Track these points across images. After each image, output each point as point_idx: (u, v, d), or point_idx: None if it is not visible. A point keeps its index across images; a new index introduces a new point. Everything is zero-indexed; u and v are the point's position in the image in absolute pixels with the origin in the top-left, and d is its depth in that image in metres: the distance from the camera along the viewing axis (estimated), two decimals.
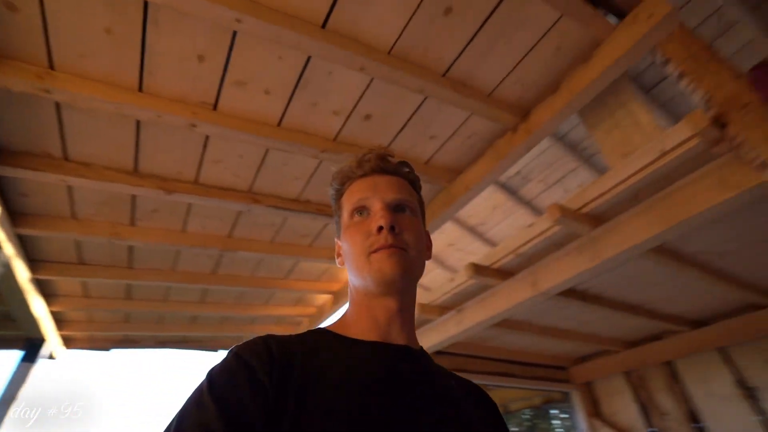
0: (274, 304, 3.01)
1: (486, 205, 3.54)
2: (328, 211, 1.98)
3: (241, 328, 3.29)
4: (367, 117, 1.55)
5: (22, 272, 1.96)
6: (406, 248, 0.58)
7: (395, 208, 0.61)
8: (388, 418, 0.46)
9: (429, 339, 2.22)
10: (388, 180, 0.65)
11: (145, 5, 1.09)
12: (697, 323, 2.44)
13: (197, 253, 2.20)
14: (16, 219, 1.72)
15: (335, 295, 2.86)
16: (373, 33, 1.25)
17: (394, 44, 1.29)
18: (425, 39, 1.29)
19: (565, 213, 1.29)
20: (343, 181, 0.67)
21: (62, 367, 2.67)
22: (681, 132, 1.08)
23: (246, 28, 1.11)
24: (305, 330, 0.60)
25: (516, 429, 5.13)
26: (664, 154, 1.15)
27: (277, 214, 1.94)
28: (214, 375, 0.46)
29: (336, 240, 0.71)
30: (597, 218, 1.37)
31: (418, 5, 1.20)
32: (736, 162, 1.02)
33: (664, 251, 1.56)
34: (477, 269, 1.62)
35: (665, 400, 2.52)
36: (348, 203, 0.64)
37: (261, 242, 2.21)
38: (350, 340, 0.56)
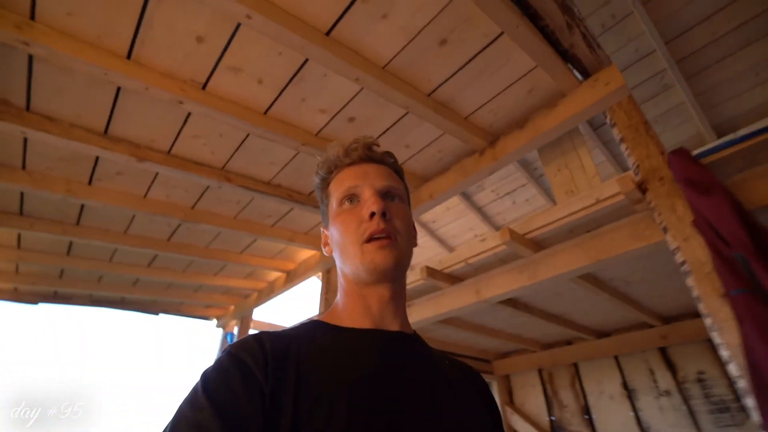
0: (224, 275, 3.01)
1: (441, 206, 3.76)
2: (297, 197, 2.05)
3: (185, 294, 3.24)
4: (351, 119, 1.63)
5: None
6: (397, 236, 0.58)
7: (385, 195, 0.61)
8: (386, 403, 0.47)
9: None
10: (376, 168, 0.65)
11: None
12: (601, 334, 2.86)
13: (154, 220, 2.16)
14: None
15: (289, 274, 2.93)
16: (372, 48, 1.33)
17: (390, 61, 1.38)
18: (419, 62, 1.40)
19: (514, 236, 1.49)
20: (330, 170, 0.66)
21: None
22: (613, 188, 1.30)
23: (253, 23, 1.14)
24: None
25: None
26: (598, 202, 1.37)
27: (246, 194, 1.96)
28: (208, 375, 0.45)
29: (322, 230, 0.70)
30: (538, 244, 1.60)
31: (418, 32, 1.30)
32: (649, 220, 1.27)
33: (587, 276, 1.84)
34: (430, 272, 1.80)
35: (566, 395, 2.95)
36: (337, 191, 0.63)
37: (224, 217, 2.22)
38: (344, 329, 0.57)
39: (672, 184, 1.14)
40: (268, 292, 3.11)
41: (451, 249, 4.14)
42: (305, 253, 2.77)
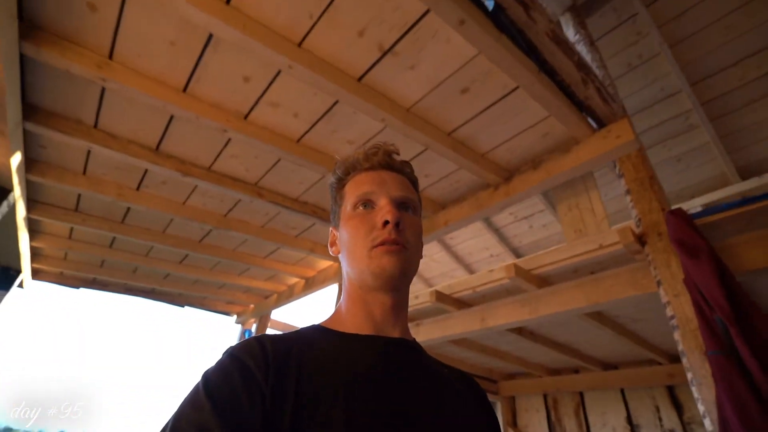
0: (247, 276, 3.21)
1: None
2: (321, 214, 2.20)
3: (209, 290, 3.46)
4: None
5: (21, 211, 2.05)
6: (407, 246, 0.58)
7: (400, 206, 0.61)
8: (385, 407, 0.47)
9: None
10: (393, 176, 0.65)
11: (210, 35, 1.24)
12: (608, 366, 2.88)
13: (189, 224, 2.36)
14: (29, 165, 1.82)
15: (308, 280, 3.09)
16: (399, 93, 1.46)
17: (414, 104, 1.51)
18: (441, 106, 1.52)
19: (519, 272, 1.58)
20: (348, 171, 0.66)
21: (30, 297, 2.76)
22: (615, 236, 1.38)
23: (294, 72, 1.29)
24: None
25: None
26: (602, 247, 1.45)
27: (274, 208, 2.13)
28: (209, 375, 0.46)
29: (332, 229, 0.70)
30: (543, 280, 1.68)
31: (441, 82, 1.42)
32: (646, 269, 1.34)
33: (592, 312, 1.90)
34: (439, 296, 1.91)
35: (570, 423, 2.98)
36: (352, 194, 0.63)
37: (253, 226, 2.40)
38: (346, 334, 0.57)
39: (668, 241, 1.22)
40: (288, 295, 3.29)
41: (466, 266, 4.21)
42: (324, 263, 2.92)
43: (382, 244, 0.57)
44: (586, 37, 2.04)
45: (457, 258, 4.16)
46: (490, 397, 3.38)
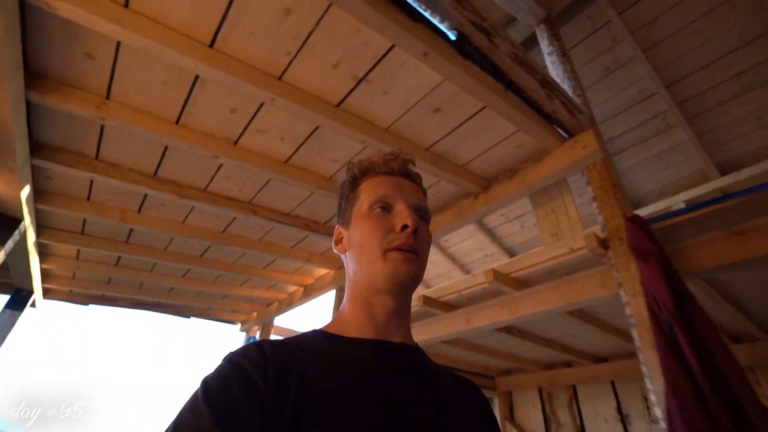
0: (248, 286, 3.33)
1: None
2: (313, 226, 2.31)
3: (213, 301, 3.58)
4: None
5: (31, 236, 2.18)
6: (420, 254, 0.59)
7: (417, 213, 0.62)
8: (385, 415, 0.47)
9: None
10: (410, 184, 0.66)
11: (196, 76, 1.36)
12: (598, 359, 2.98)
13: (189, 241, 2.47)
14: (37, 195, 1.94)
15: (306, 288, 3.21)
16: (376, 115, 1.57)
17: (391, 125, 1.62)
18: (417, 125, 1.62)
19: (497, 276, 1.69)
20: (365, 172, 0.67)
21: (43, 316, 2.89)
22: (581, 241, 1.48)
23: (276, 103, 1.40)
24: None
25: None
26: (572, 251, 1.56)
27: (269, 223, 2.24)
28: (208, 381, 0.46)
29: (338, 227, 0.69)
30: (522, 283, 1.79)
31: (415, 104, 1.53)
32: (612, 271, 1.44)
33: (574, 310, 2.00)
34: (426, 300, 2.01)
35: (564, 415, 3.08)
36: (369, 195, 0.63)
37: (250, 240, 2.51)
38: (347, 339, 0.57)
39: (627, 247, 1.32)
40: (288, 302, 3.40)
41: (462, 266, 4.32)
42: (321, 271, 3.03)
43: (398, 248, 0.57)
44: (559, 48, 2.14)
45: (453, 259, 4.27)
46: (487, 393, 3.49)
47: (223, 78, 1.28)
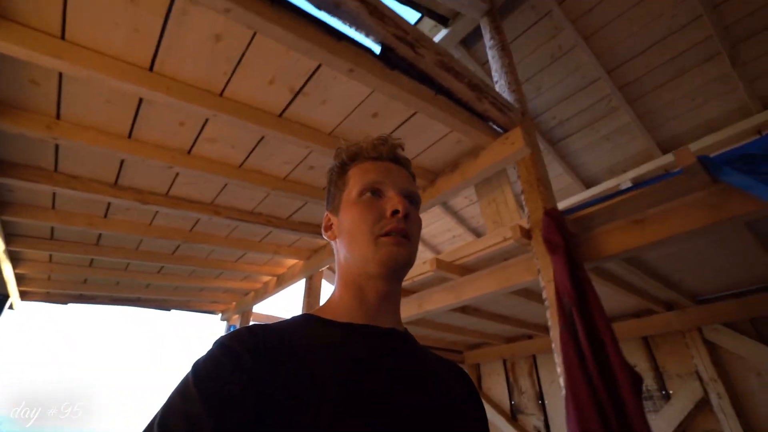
0: (224, 278, 3.45)
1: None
2: (276, 222, 2.43)
3: (191, 294, 3.71)
4: (311, 168, 1.98)
5: (0, 245, 2.25)
6: (411, 238, 0.59)
7: (407, 198, 0.62)
8: (374, 399, 0.48)
9: None
10: (399, 170, 0.66)
11: (140, 99, 1.43)
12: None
13: (159, 241, 2.57)
14: (2, 208, 2.00)
15: (279, 277, 3.35)
16: (317, 122, 1.67)
17: (333, 129, 1.72)
18: (358, 128, 1.73)
19: (440, 265, 1.85)
20: (353, 158, 0.67)
21: (21, 317, 2.98)
22: (509, 231, 1.64)
23: (219, 119, 1.49)
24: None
25: None
26: (504, 240, 1.72)
27: (233, 222, 2.35)
28: (199, 365, 0.45)
29: (327, 213, 0.69)
30: (465, 269, 1.95)
31: (352, 110, 1.63)
32: (533, 259, 1.61)
33: (520, 290, 2.19)
34: None
35: (525, 383, 3.35)
36: (358, 180, 0.63)
37: (217, 237, 2.62)
38: (338, 324, 0.57)
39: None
40: (264, 291, 3.55)
41: (432, 248, 4.50)
42: (291, 261, 3.17)
43: (389, 233, 0.57)
44: (500, 42, 2.24)
45: (423, 240, 4.44)
46: None
47: (165, 99, 1.36)
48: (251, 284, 3.60)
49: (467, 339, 3.46)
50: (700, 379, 2.40)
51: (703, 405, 2.36)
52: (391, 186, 0.62)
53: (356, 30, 1.33)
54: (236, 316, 4.10)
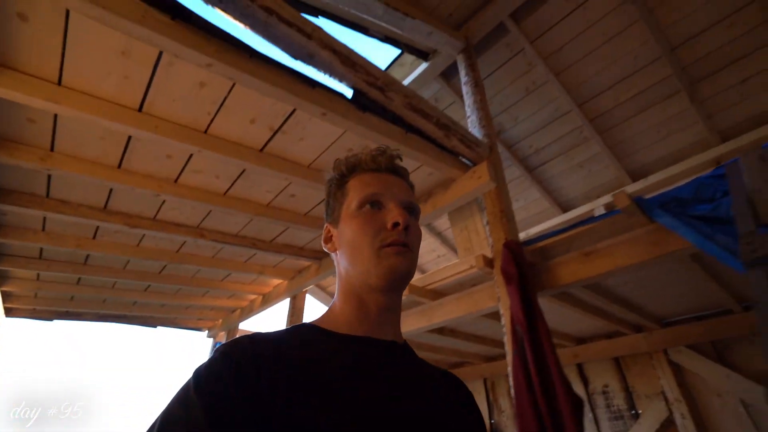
0: (210, 296, 3.52)
1: None
2: (260, 245, 2.52)
3: (177, 311, 3.76)
4: (292, 196, 2.09)
5: None
6: (412, 249, 0.60)
7: (406, 209, 0.62)
8: (373, 411, 0.48)
9: None
10: (399, 181, 0.66)
11: (129, 137, 1.55)
12: None
13: (146, 261, 2.65)
14: None
15: (264, 296, 3.42)
16: (296, 156, 1.79)
17: (312, 162, 1.84)
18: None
19: (412, 290, 1.95)
20: (352, 170, 0.67)
21: (7, 333, 3.02)
22: (474, 260, 1.76)
23: (203, 155, 1.60)
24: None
25: None
26: (471, 267, 1.83)
27: (219, 244, 2.44)
28: (200, 373, 0.45)
29: (327, 226, 0.68)
30: (437, 293, 2.06)
31: (329, 146, 1.76)
32: (495, 287, 1.72)
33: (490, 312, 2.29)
34: None
35: (504, 402, 3.42)
36: (358, 192, 0.63)
37: (203, 258, 2.71)
38: (339, 335, 0.57)
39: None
40: (249, 309, 3.61)
41: (418, 267, 4.59)
42: (276, 281, 3.25)
43: (391, 245, 0.58)
44: (473, 79, 2.40)
45: None
46: None
47: (153, 138, 1.48)
48: (237, 302, 3.66)
49: (447, 358, 3.53)
50: (666, 400, 2.50)
51: (668, 424, 2.46)
52: (391, 198, 0.62)
53: (330, 77, 1.46)
54: (222, 333, 4.14)
